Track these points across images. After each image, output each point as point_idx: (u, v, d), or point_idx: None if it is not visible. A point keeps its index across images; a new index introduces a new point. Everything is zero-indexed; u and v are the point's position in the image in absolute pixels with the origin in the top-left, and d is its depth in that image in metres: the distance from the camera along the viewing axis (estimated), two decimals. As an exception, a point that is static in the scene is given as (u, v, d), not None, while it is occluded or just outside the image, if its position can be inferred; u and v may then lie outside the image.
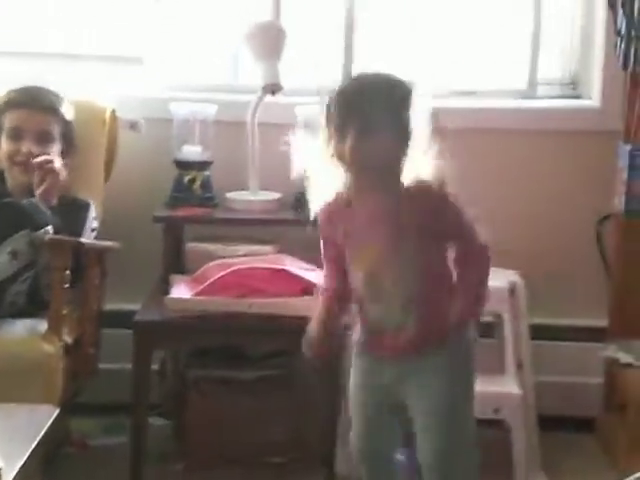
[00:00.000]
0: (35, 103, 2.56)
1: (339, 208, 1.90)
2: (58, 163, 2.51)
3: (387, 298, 1.89)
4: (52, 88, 2.65)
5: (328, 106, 1.86)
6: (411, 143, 1.82)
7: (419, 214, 1.84)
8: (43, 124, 2.56)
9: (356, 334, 1.99)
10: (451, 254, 1.91)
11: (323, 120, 1.87)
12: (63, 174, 2.51)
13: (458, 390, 1.93)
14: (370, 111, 1.79)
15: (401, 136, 1.82)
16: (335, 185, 1.89)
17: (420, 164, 1.83)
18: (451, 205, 1.86)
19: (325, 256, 1.97)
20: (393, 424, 1.98)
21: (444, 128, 1.87)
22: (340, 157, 1.84)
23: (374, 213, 1.86)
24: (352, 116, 1.80)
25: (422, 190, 1.84)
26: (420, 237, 1.86)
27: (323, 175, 1.89)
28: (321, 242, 1.97)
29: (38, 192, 2.46)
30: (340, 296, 1.97)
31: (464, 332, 1.94)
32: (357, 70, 2.95)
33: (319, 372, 2.26)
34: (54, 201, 2.48)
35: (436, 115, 1.86)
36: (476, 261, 1.91)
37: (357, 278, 1.91)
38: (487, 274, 1.93)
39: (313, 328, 1.97)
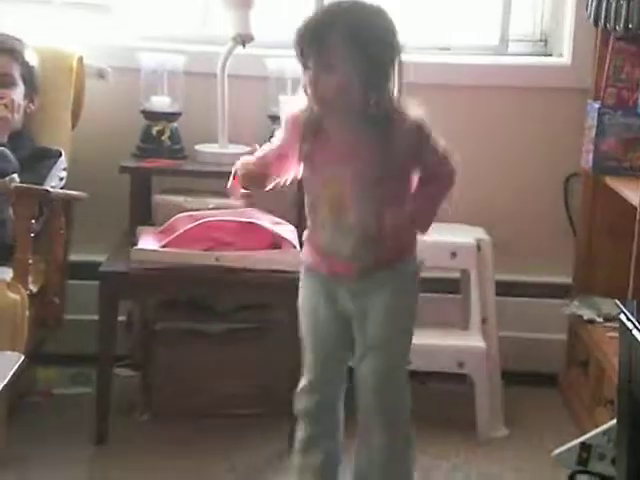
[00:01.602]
0: None
1: (308, 124, 1.87)
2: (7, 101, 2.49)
3: (346, 230, 1.88)
4: (17, 34, 2.61)
5: (296, 38, 1.82)
6: (379, 75, 1.79)
7: (404, 150, 1.83)
8: (3, 67, 2.54)
9: (305, 255, 1.99)
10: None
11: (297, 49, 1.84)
12: (13, 113, 2.49)
13: (404, 310, 1.96)
14: (328, 44, 1.76)
15: (367, 69, 1.78)
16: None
17: (392, 96, 1.82)
18: (431, 143, 1.86)
19: (276, 148, 1.94)
20: (345, 332, 1.97)
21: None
22: (304, 88, 1.82)
23: (350, 145, 1.85)
24: (311, 49, 1.77)
25: (411, 126, 1.83)
26: (394, 173, 1.86)
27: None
28: (280, 137, 1.93)
29: None
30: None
31: (413, 255, 1.97)
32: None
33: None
34: (4, 138, 2.47)
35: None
36: (441, 181, 1.91)
37: (318, 203, 1.90)
38: (448, 191, 1.92)
39: (241, 162, 1.94)
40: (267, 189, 1.96)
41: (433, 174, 1.90)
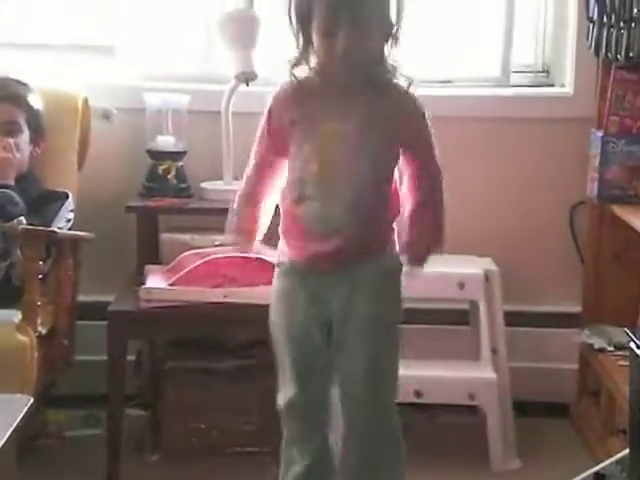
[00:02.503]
0: None
1: (293, 94, 1.87)
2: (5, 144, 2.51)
3: (332, 195, 1.85)
4: (22, 78, 2.64)
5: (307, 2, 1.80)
6: (392, 37, 1.83)
7: (396, 118, 1.84)
8: (7, 114, 2.56)
9: (281, 251, 1.95)
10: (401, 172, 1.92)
11: (293, 17, 1.83)
12: (14, 154, 2.51)
13: (387, 307, 1.91)
14: (359, 8, 1.76)
15: (386, 31, 1.82)
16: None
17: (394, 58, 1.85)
18: (426, 122, 1.88)
19: (261, 145, 1.94)
20: (324, 348, 1.91)
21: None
22: (325, 55, 1.80)
23: (349, 100, 1.84)
24: (341, 13, 1.75)
25: (407, 99, 1.85)
26: (384, 139, 1.85)
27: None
28: (263, 126, 1.93)
29: None
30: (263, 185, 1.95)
31: (394, 249, 1.92)
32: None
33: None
34: (11, 181, 2.48)
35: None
36: (431, 185, 1.90)
37: (305, 170, 1.87)
38: (442, 200, 1.92)
39: (236, 204, 1.95)
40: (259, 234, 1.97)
41: (427, 167, 1.89)
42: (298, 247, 1.92)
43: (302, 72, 1.88)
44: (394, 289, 1.94)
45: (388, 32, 1.83)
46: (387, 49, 1.85)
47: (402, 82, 1.87)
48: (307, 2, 1.81)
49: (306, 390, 1.93)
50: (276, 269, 1.98)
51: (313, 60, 1.85)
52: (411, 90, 1.88)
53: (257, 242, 2.00)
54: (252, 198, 1.97)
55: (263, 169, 1.96)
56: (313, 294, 1.91)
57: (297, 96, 1.87)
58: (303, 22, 1.83)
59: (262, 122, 1.94)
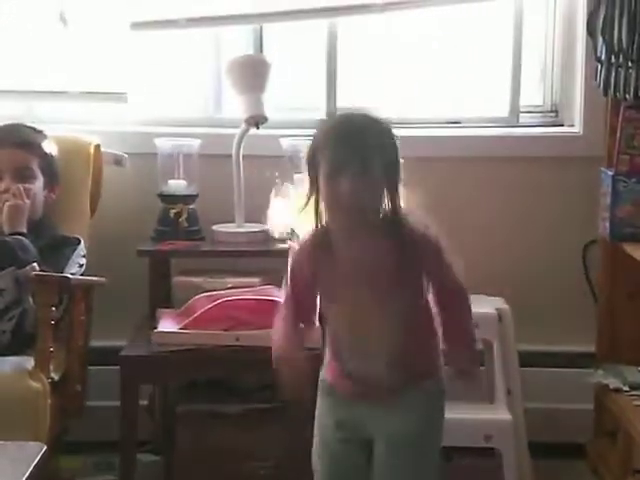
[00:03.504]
0: (11, 140, 2.59)
1: (316, 249, 1.86)
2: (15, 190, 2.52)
3: (371, 356, 1.85)
4: (34, 125, 2.67)
5: (314, 148, 1.82)
6: (396, 181, 1.81)
7: (421, 261, 1.82)
8: (21, 161, 2.58)
9: (325, 374, 1.95)
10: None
11: (306, 162, 1.84)
12: (24, 200, 2.52)
13: (428, 427, 1.91)
14: (365, 152, 1.77)
15: (389, 176, 1.80)
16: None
17: (400, 200, 1.82)
18: (442, 249, 1.85)
19: (291, 291, 1.91)
20: (362, 464, 1.91)
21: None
22: (330, 200, 1.80)
23: (364, 261, 1.82)
24: (347, 158, 1.76)
25: (422, 237, 1.82)
26: (409, 285, 1.84)
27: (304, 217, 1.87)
28: (289, 275, 1.90)
29: (2, 221, 2.49)
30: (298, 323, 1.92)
31: (439, 373, 1.92)
32: (339, 106, 2.97)
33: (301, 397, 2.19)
34: (23, 228, 2.49)
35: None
36: (459, 302, 1.89)
37: (338, 329, 1.88)
38: (471, 314, 1.91)
39: (280, 343, 1.91)
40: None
41: (448, 288, 1.87)
42: (338, 378, 1.92)
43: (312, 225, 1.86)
44: (436, 412, 1.93)
45: (392, 175, 1.81)
46: (396, 195, 1.82)
47: (413, 222, 1.84)
48: (315, 151, 1.81)
49: None
50: (321, 384, 1.97)
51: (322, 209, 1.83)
52: (423, 225, 1.84)
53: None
54: (291, 322, 1.93)
55: (295, 305, 1.93)
56: (350, 420, 1.90)
57: (313, 255, 1.86)
58: (312, 171, 1.82)
59: (289, 273, 1.92)
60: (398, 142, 1.84)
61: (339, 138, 1.80)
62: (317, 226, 1.85)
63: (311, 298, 1.91)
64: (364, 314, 1.84)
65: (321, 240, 1.85)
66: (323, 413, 1.95)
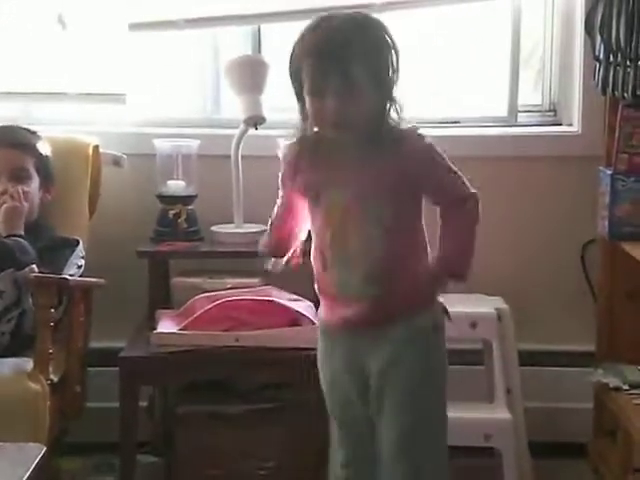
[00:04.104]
0: (6, 141, 2.59)
1: (304, 154, 1.78)
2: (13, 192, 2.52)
3: (348, 265, 1.75)
4: (33, 126, 2.67)
5: (294, 59, 1.70)
6: (393, 91, 1.70)
7: (403, 160, 1.71)
8: (17, 161, 2.58)
9: (320, 310, 1.90)
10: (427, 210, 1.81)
11: (289, 75, 1.73)
12: (22, 202, 2.52)
13: (424, 368, 1.81)
14: (348, 65, 1.63)
15: (383, 88, 1.69)
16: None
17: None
18: (437, 154, 1.75)
19: (283, 193, 1.87)
20: (366, 413, 1.83)
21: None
22: (316, 117, 1.70)
23: (349, 164, 1.74)
24: (328, 73, 1.64)
25: (407, 134, 1.71)
26: (396, 191, 1.73)
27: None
28: (280, 180, 1.86)
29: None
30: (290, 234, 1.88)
31: (433, 305, 1.81)
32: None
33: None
34: (20, 231, 2.49)
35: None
36: (465, 210, 1.78)
37: (322, 237, 1.79)
38: (476, 222, 1.81)
39: (268, 227, 1.88)
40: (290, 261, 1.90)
41: (452, 198, 1.78)
42: (327, 307, 1.87)
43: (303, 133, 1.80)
44: (434, 345, 1.85)
45: (386, 87, 1.70)
46: (388, 106, 1.73)
47: (407, 131, 1.75)
48: (297, 64, 1.72)
49: (355, 458, 1.88)
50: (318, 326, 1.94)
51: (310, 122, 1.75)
52: (416, 134, 1.76)
53: (283, 262, 1.91)
54: (282, 225, 1.90)
55: (290, 207, 1.89)
56: (347, 358, 1.84)
57: (299, 161, 1.80)
58: (296, 83, 1.74)
59: (281, 175, 1.88)
60: (390, 42, 1.70)
61: (319, 49, 1.65)
62: (307, 132, 1.76)
63: (300, 202, 1.84)
64: (346, 219, 1.75)
65: (310, 144, 1.77)
66: (321, 351, 1.91)
